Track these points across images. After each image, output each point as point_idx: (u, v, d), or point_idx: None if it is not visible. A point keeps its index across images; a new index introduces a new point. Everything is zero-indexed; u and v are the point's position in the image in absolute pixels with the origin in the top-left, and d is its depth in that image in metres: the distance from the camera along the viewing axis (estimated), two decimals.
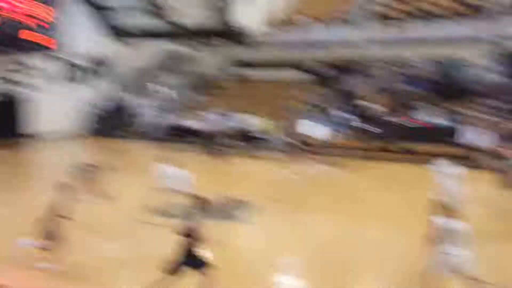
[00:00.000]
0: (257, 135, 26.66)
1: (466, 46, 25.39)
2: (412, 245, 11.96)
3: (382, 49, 27.87)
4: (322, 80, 28.99)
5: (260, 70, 32.05)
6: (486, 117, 21.72)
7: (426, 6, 28.95)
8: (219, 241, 9.94)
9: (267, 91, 30.42)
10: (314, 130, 25.43)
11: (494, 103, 22.45)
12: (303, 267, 12.29)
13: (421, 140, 22.26)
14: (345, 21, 29.93)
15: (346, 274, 11.65)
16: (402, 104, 24.55)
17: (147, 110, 31.74)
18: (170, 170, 15.25)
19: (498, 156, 18.08)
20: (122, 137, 30.17)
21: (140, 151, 27.64)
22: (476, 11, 26.39)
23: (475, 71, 24.48)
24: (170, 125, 29.67)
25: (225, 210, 13.52)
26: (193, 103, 31.68)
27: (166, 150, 21.97)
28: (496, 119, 21.47)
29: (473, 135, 20.85)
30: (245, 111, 27.47)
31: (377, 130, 23.91)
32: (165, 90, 32.71)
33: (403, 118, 23.20)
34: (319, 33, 29.95)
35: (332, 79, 28.61)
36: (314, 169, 22.62)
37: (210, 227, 9.52)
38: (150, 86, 32.88)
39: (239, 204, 15.90)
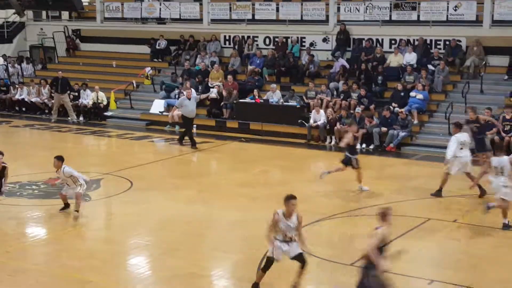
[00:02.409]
0: (97, 109, 25.99)
1: (308, 27, 26.22)
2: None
3: (225, 26, 28.10)
4: (163, 55, 28.77)
5: (97, 43, 31.13)
6: (326, 97, 22.67)
7: None
8: None
9: (107, 64, 29.79)
10: (156, 105, 25.27)
11: (334, 84, 23.44)
12: (143, 244, 12.26)
13: (270, 120, 22.71)
14: None
15: (189, 250, 11.74)
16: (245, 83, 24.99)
17: None
18: None
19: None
20: None
21: None
22: None
23: (315, 52, 25.32)
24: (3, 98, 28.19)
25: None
26: (26, 75, 30.24)
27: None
28: (336, 99, 22.51)
29: (316, 115, 21.70)
30: (83, 85, 26.66)
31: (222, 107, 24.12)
32: None
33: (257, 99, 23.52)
34: (158, 6, 29.65)
35: (173, 55, 28.47)
36: (161, 145, 22.51)
37: None
38: None
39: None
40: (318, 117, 21.68)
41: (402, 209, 14.06)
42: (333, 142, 21.35)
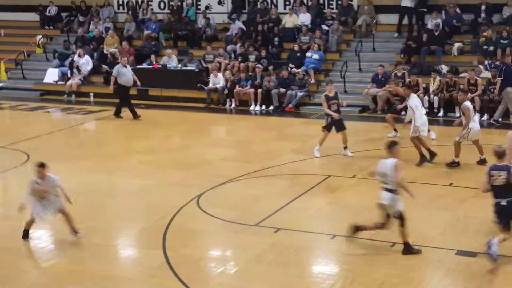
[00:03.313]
0: None
1: None
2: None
3: None
4: (54, 22, 27.74)
5: None
6: (224, 60, 22.62)
7: None
8: None
9: None
10: (49, 74, 24.45)
11: (232, 47, 23.41)
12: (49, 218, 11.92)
13: (169, 85, 22.40)
14: None
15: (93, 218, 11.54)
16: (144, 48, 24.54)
17: None
18: None
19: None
20: None
21: None
22: None
23: (211, 15, 25.14)
24: None
25: None
26: None
27: None
28: (234, 62, 22.51)
29: (214, 79, 21.63)
30: None
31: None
32: None
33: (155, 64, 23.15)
34: None
35: (64, 21, 27.52)
36: (57, 116, 21.86)
37: None
38: None
39: None
40: (217, 80, 21.62)
41: (303, 168, 14.33)
42: (233, 105, 21.39)
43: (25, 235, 10.60)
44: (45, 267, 9.84)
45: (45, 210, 10.34)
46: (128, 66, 20.18)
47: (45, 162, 10.34)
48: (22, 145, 16.73)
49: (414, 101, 14.44)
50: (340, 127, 14.98)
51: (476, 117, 14.60)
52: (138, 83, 20.26)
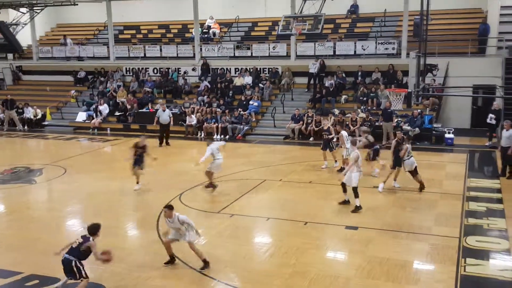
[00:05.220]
0: (37, 120, 24.05)
1: (182, 61, 25.84)
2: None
3: (126, 61, 27.00)
4: (83, 82, 27.12)
5: (35, 75, 28.65)
6: (196, 106, 22.50)
7: (156, 34, 28.80)
8: None
9: (43, 89, 27.60)
10: (80, 116, 23.88)
11: (201, 98, 23.34)
12: (76, 210, 11.60)
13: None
14: (95, 42, 28.38)
15: (110, 213, 11.27)
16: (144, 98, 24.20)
17: None
18: None
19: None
20: None
21: None
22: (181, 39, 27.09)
23: (187, 77, 25.06)
24: None
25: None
26: None
27: None
28: (203, 107, 22.39)
29: (189, 118, 21.46)
30: (25, 104, 24.52)
31: (127, 116, 23.19)
32: None
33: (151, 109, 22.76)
34: (77, 49, 27.98)
35: (90, 81, 26.95)
36: (85, 143, 21.28)
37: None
38: None
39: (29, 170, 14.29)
40: (192, 119, 21.50)
41: (247, 175, 14.33)
42: (202, 135, 21.24)
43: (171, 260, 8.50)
44: None
45: (177, 236, 8.39)
46: (167, 110, 19.48)
47: (172, 204, 8.39)
48: (61, 162, 16.24)
49: (211, 147, 12.41)
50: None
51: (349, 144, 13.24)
52: (171, 122, 19.40)
